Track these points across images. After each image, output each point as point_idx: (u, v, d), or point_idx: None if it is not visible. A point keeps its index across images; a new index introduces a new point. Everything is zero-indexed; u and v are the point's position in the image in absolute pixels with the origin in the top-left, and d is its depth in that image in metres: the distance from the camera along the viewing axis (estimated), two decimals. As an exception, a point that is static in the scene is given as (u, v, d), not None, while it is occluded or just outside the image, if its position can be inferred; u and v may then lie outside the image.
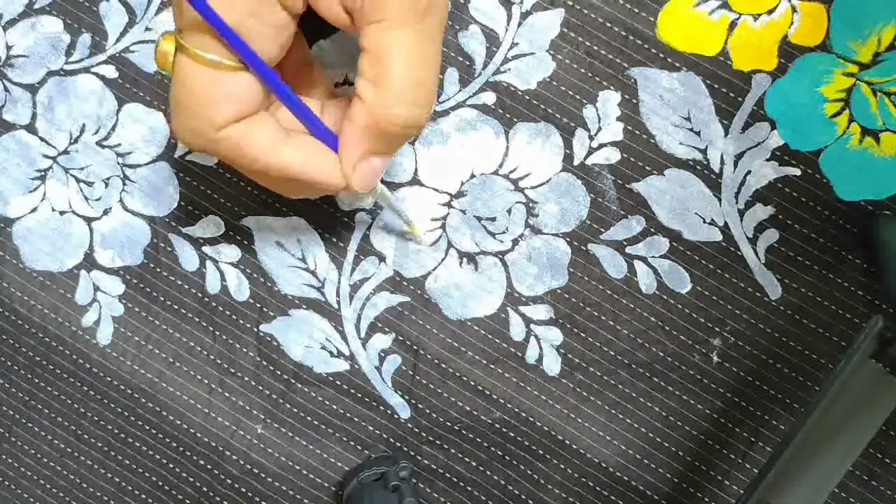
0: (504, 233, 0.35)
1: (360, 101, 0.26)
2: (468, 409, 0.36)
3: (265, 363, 0.37)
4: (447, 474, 0.37)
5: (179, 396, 0.37)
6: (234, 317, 0.37)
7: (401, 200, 0.35)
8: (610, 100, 0.34)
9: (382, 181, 0.35)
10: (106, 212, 0.37)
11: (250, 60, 0.25)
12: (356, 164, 0.28)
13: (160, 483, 0.38)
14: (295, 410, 0.37)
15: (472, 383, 0.36)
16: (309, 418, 0.37)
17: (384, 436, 0.37)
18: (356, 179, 0.28)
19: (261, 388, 0.37)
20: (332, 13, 0.26)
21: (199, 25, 0.25)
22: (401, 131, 0.27)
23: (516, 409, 0.36)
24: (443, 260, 0.35)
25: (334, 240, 0.36)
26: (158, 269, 0.37)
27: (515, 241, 0.35)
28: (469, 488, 0.37)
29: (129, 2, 0.36)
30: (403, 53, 0.25)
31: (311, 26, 0.28)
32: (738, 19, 0.33)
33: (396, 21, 0.25)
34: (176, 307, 0.37)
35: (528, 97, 0.34)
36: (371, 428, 0.37)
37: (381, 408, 0.36)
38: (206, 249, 0.36)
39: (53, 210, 0.37)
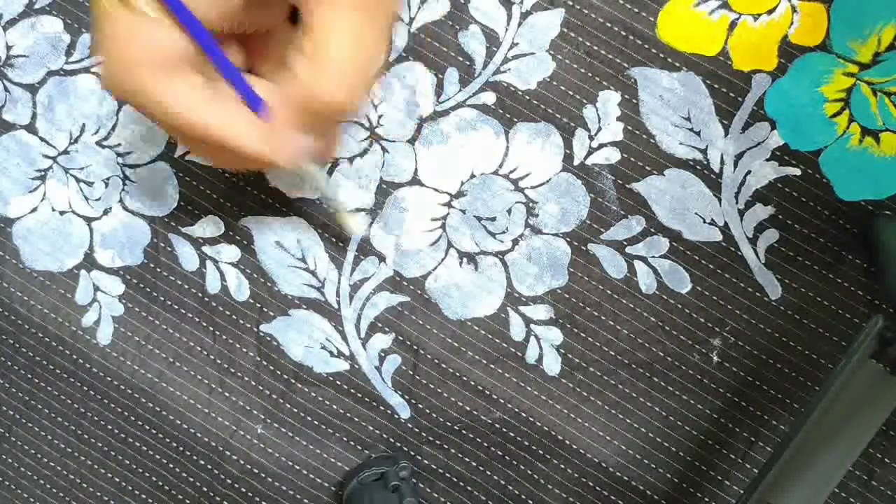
0: (504, 233, 0.35)
1: (293, 76, 0.26)
2: (468, 409, 0.36)
3: (265, 363, 0.37)
4: (447, 474, 0.37)
5: (179, 396, 0.37)
6: (234, 317, 0.37)
7: (398, 200, 0.35)
8: (610, 100, 0.34)
9: (382, 181, 0.35)
10: (106, 212, 0.37)
11: (175, 9, 0.25)
12: (276, 134, 0.28)
13: (160, 483, 0.38)
14: (295, 410, 0.37)
15: (472, 383, 0.36)
16: (309, 418, 0.37)
17: (384, 436, 0.37)
18: (273, 147, 0.28)
19: (261, 388, 0.37)
20: None
21: None
22: (328, 113, 0.27)
23: (516, 409, 0.36)
24: (443, 260, 0.35)
25: (334, 240, 0.36)
26: (158, 269, 0.37)
27: (515, 241, 0.35)
28: (469, 488, 0.37)
29: (129, 2, 0.36)
30: (342, 34, 0.25)
31: None
32: (738, 19, 0.33)
33: (343, 2, 0.25)
34: (176, 307, 0.37)
35: (528, 97, 0.34)
36: (371, 428, 0.37)
37: (381, 408, 0.36)
38: (206, 249, 0.36)
39: (53, 210, 0.37)
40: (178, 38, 0.26)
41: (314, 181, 0.32)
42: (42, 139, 0.37)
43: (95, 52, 0.27)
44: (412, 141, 0.35)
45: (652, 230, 0.35)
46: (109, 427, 0.38)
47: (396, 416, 0.36)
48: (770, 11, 0.33)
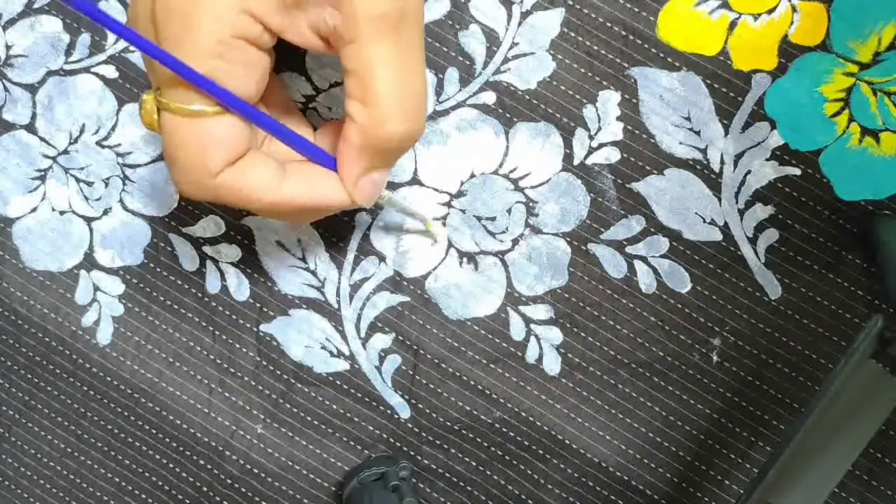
0: (504, 232, 0.35)
1: (352, 122, 0.26)
2: (468, 408, 0.36)
3: (265, 363, 0.37)
4: (447, 474, 0.37)
5: (179, 396, 0.37)
6: (234, 317, 0.37)
7: (407, 200, 0.35)
8: (610, 100, 0.34)
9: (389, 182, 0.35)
10: (106, 212, 0.37)
11: (228, 101, 0.25)
12: (357, 181, 0.28)
13: (160, 483, 0.38)
14: (295, 410, 0.37)
15: (472, 383, 0.36)
16: (309, 418, 0.37)
17: (384, 436, 0.37)
18: (360, 196, 0.28)
19: (261, 388, 0.37)
20: (305, 41, 0.26)
21: (174, 79, 0.25)
22: (396, 146, 0.27)
23: (516, 409, 0.36)
24: (443, 260, 0.35)
25: (334, 239, 0.36)
26: (158, 269, 0.37)
27: (515, 241, 0.35)
28: (469, 488, 0.37)
29: (128, 1, 0.36)
30: (386, 69, 0.25)
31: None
32: (738, 19, 0.33)
33: (372, 37, 0.25)
34: (176, 307, 0.37)
35: (528, 97, 0.34)
36: (371, 428, 0.37)
37: (381, 408, 0.36)
38: (206, 249, 0.36)
39: (53, 210, 0.37)
40: (240, 126, 0.26)
41: (396, 205, 0.33)
42: (42, 139, 0.37)
43: (168, 165, 0.27)
44: (412, 141, 0.35)
45: (652, 230, 0.35)
46: (109, 427, 0.38)
47: (396, 416, 0.36)
48: (770, 11, 0.33)
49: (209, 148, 0.26)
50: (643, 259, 0.35)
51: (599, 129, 0.34)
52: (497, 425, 0.36)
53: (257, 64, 0.26)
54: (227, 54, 0.25)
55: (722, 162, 0.34)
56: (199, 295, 0.37)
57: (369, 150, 0.27)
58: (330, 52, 0.26)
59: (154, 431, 0.37)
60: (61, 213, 0.37)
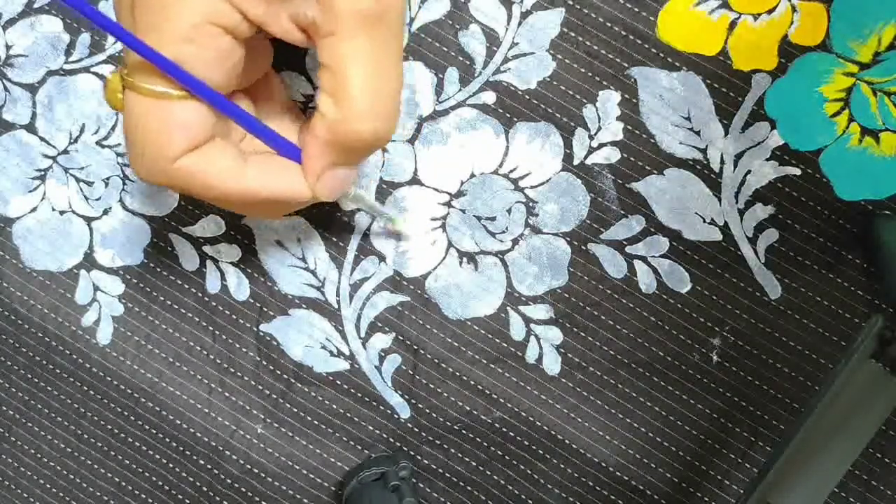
0: (504, 232, 0.35)
1: (321, 116, 0.26)
2: (468, 408, 0.36)
3: (265, 363, 0.37)
4: (447, 474, 0.37)
5: (179, 396, 0.37)
6: (234, 316, 0.37)
7: (398, 200, 0.35)
8: (610, 99, 0.34)
9: (382, 180, 0.35)
10: (106, 211, 0.37)
11: (191, 84, 0.25)
12: (320, 176, 0.28)
13: (160, 483, 0.38)
14: (295, 410, 0.37)
15: (472, 383, 0.36)
16: (309, 418, 0.37)
17: (384, 436, 0.37)
18: (321, 190, 0.28)
19: (261, 387, 0.37)
20: (285, 32, 0.26)
21: (143, 60, 0.25)
22: (363, 146, 0.27)
23: (516, 409, 0.36)
24: (443, 260, 0.35)
25: (334, 239, 0.36)
26: (158, 269, 0.37)
27: (515, 241, 0.35)
28: (469, 488, 0.37)
29: None
30: (360, 66, 0.25)
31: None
32: (738, 19, 0.33)
33: (349, 33, 0.24)
34: (176, 307, 0.37)
35: (528, 97, 0.34)
36: (371, 428, 0.37)
37: (381, 408, 0.36)
38: (206, 249, 0.36)
39: (53, 210, 0.37)
40: (204, 113, 0.26)
41: (364, 203, 0.33)
42: (42, 139, 0.37)
43: (126, 145, 0.27)
44: (412, 140, 0.35)
45: (652, 230, 0.35)
46: (109, 427, 0.38)
47: (396, 416, 0.36)
48: (770, 11, 0.33)
49: (170, 131, 0.25)
50: (643, 259, 0.35)
51: (599, 128, 0.34)
52: (497, 425, 0.36)
53: (230, 53, 0.25)
54: (198, 40, 0.24)
55: (722, 162, 0.34)
56: (199, 295, 0.37)
57: (335, 147, 0.27)
58: (310, 44, 0.26)
59: (154, 431, 0.37)
60: (61, 212, 0.37)
